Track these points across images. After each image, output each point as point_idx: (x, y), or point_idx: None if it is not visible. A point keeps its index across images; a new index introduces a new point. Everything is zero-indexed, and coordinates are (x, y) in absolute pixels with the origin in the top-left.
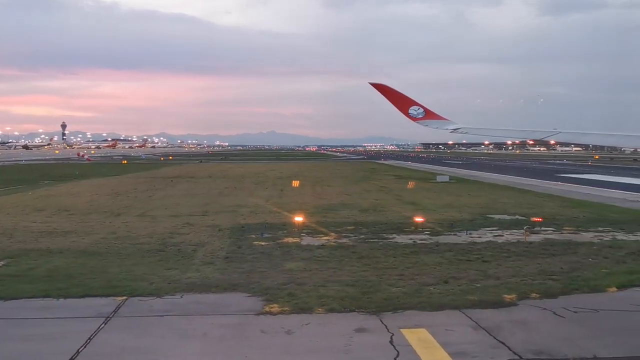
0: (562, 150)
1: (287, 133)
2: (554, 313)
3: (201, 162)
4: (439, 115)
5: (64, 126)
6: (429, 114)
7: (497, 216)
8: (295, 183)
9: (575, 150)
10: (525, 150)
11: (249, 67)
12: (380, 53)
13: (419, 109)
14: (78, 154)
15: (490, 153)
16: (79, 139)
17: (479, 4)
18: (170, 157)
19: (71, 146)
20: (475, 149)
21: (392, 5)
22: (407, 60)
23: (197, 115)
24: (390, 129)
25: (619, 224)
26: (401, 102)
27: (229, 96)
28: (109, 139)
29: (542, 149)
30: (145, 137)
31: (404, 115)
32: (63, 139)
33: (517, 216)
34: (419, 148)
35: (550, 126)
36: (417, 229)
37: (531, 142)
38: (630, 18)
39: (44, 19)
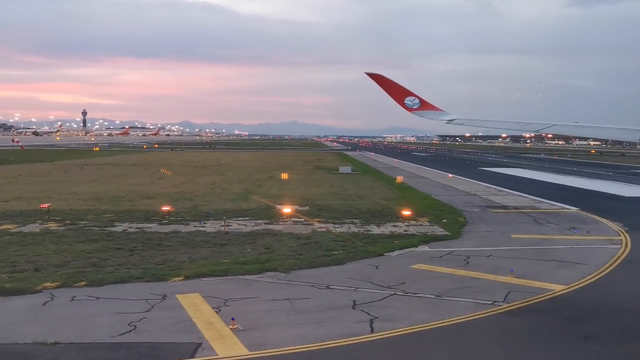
0: (577, 144)
1: (309, 123)
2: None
3: (172, 150)
4: (434, 106)
5: (84, 113)
6: (424, 105)
7: (285, 207)
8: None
9: (594, 144)
10: (541, 144)
11: (271, 56)
12: (403, 43)
13: (414, 99)
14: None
15: (482, 146)
16: (96, 126)
17: None
18: (156, 145)
19: (87, 133)
20: (491, 142)
21: None
22: (432, 51)
23: (220, 104)
24: (411, 120)
25: (373, 217)
26: (397, 92)
27: (251, 85)
28: (126, 127)
29: (560, 142)
30: (159, 125)
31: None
32: (83, 126)
33: (307, 207)
34: (437, 140)
35: (573, 119)
36: (164, 217)
37: (530, 135)
38: None
39: (69, 7)
